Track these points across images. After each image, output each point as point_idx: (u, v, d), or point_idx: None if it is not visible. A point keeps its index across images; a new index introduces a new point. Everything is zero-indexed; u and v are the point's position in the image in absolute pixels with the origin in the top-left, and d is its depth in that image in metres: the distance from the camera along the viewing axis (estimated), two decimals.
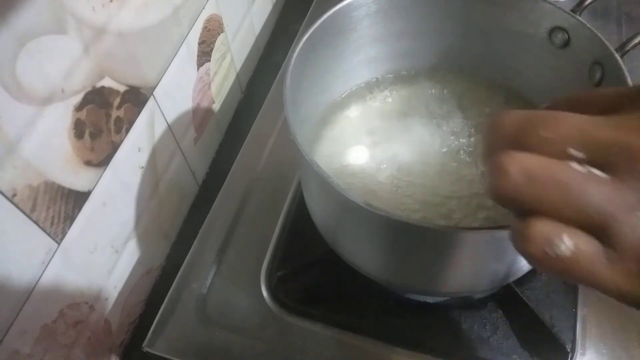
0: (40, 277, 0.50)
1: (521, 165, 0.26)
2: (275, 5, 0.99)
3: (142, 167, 0.64)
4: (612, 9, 0.91)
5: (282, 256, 0.66)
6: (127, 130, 0.59)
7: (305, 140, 0.64)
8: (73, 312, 0.56)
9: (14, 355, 0.49)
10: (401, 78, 0.69)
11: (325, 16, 0.57)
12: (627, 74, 0.50)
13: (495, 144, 0.28)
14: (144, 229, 0.67)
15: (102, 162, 0.56)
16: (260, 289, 0.64)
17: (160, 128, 0.66)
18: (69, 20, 0.47)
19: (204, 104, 0.77)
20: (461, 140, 0.64)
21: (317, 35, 0.56)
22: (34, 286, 0.50)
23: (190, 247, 0.69)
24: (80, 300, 0.57)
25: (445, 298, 0.61)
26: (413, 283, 0.57)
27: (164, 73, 0.64)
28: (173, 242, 0.76)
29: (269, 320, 0.62)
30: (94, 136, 0.53)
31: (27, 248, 0.48)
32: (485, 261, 0.50)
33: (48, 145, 0.48)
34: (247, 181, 0.74)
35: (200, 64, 0.73)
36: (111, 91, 0.55)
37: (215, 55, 0.77)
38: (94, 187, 0.55)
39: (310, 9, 0.94)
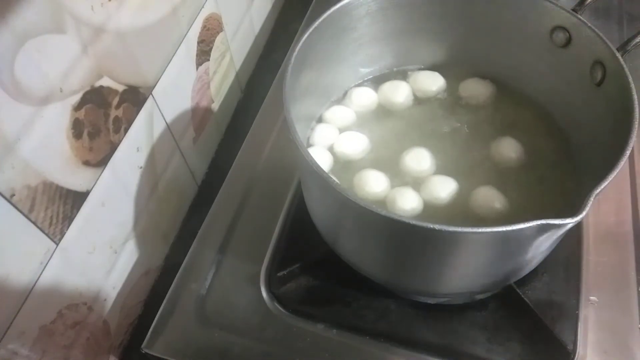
0: (38, 278, 0.50)
1: None
2: (275, 4, 0.99)
3: (141, 167, 0.64)
4: (613, 8, 0.91)
5: (282, 257, 0.65)
6: (126, 130, 0.59)
7: (305, 140, 0.64)
8: (72, 312, 0.56)
9: (13, 356, 0.49)
10: (401, 77, 0.69)
11: (325, 15, 0.57)
12: (628, 73, 0.49)
13: None
14: (142, 230, 0.66)
15: (101, 162, 0.56)
16: (260, 289, 0.64)
17: (159, 128, 0.66)
18: (68, 20, 0.47)
19: (203, 103, 0.77)
20: (461, 139, 0.64)
21: (317, 34, 0.56)
22: (33, 287, 0.50)
23: (189, 248, 0.68)
24: (78, 301, 0.57)
25: (445, 299, 0.61)
26: (413, 284, 0.57)
27: (163, 72, 0.64)
28: (172, 243, 0.75)
29: (268, 321, 0.62)
30: (92, 136, 0.53)
31: (25, 248, 0.48)
32: (486, 261, 0.50)
33: (46, 145, 0.47)
34: (247, 181, 0.74)
35: (199, 63, 0.73)
36: (110, 91, 0.55)
37: (214, 54, 0.77)
38: (93, 187, 0.55)
39: (310, 7, 0.94)
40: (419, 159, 0.61)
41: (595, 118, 0.55)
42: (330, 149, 0.64)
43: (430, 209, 0.58)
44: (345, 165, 0.63)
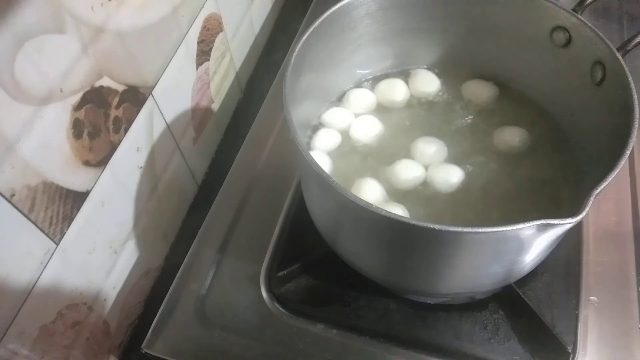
0: (38, 278, 0.50)
1: None
2: (274, 4, 0.99)
3: (141, 167, 0.64)
4: (613, 8, 0.91)
5: (282, 257, 0.65)
6: (126, 130, 0.59)
7: (305, 140, 0.64)
8: (72, 313, 0.56)
9: (13, 356, 0.49)
10: (401, 76, 0.69)
11: (325, 15, 0.56)
12: (628, 73, 0.49)
13: None
14: (142, 230, 0.66)
15: (101, 162, 0.56)
16: (260, 289, 0.64)
17: (159, 128, 0.66)
18: (68, 20, 0.47)
19: (203, 103, 0.77)
20: (459, 141, 0.64)
21: (317, 34, 0.56)
22: (33, 287, 0.50)
23: (189, 248, 0.68)
24: (79, 301, 0.57)
25: (445, 299, 0.61)
26: (413, 283, 0.57)
27: (163, 72, 0.64)
28: (172, 243, 0.75)
29: (268, 321, 0.62)
30: (92, 136, 0.53)
31: (25, 248, 0.48)
32: (486, 261, 0.50)
33: (46, 145, 0.47)
34: (247, 181, 0.74)
35: (199, 63, 0.73)
36: (110, 91, 0.55)
37: (214, 54, 0.77)
38: (93, 187, 0.55)
39: (310, 7, 0.94)
40: (430, 147, 0.62)
41: (595, 118, 0.55)
42: (341, 137, 0.65)
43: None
44: (344, 169, 0.63)
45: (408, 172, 0.60)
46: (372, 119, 0.65)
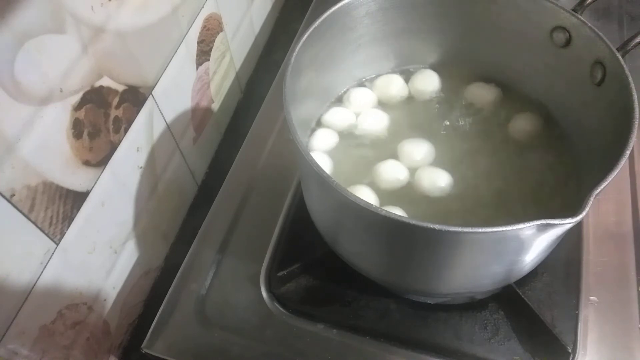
0: (38, 278, 0.50)
1: None
2: (275, 4, 0.99)
3: (141, 167, 0.64)
4: (613, 9, 0.91)
5: (282, 257, 0.65)
6: (126, 130, 0.59)
7: (305, 140, 0.64)
8: (72, 313, 0.56)
9: (13, 356, 0.49)
10: (401, 75, 0.69)
11: (325, 15, 0.56)
12: (628, 73, 0.49)
13: None
14: (142, 229, 0.66)
15: (101, 162, 0.56)
16: (260, 289, 0.64)
17: (159, 128, 0.66)
18: (68, 20, 0.47)
19: (203, 103, 0.77)
20: (458, 140, 0.64)
21: (317, 34, 0.56)
22: (33, 287, 0.50)
23: (189, 248, 0.68)
24: (79, 301, 0.57)
25: (445, 299, 0.61)
26: (413, 283, 0.57)
27: (163, 72, 0.64)
28: (172, 243, 0.75)
29: (268, 321, 0.62)
30: (92, 136, 0.53)
31: (25, 248, 0.48)
32: (486, 261, 0.50)
33: (46, 145, 0.47)
34: (247, 181, 0.74)
35: (199, 63, 0.73)
36: (110, 91, 0.55)
37: (214, 54, 0.77)
38: (93, 187, 0.55)
39: (310, 7, 0.94)
40: (416, 150, 0.62)
41: (595, 118, 0.55)
42: (341, 137, 0.65)
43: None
44: (344, 169, 0.63)
45: (392, 172, 0.60)
46: (379, 112, 0.66)
